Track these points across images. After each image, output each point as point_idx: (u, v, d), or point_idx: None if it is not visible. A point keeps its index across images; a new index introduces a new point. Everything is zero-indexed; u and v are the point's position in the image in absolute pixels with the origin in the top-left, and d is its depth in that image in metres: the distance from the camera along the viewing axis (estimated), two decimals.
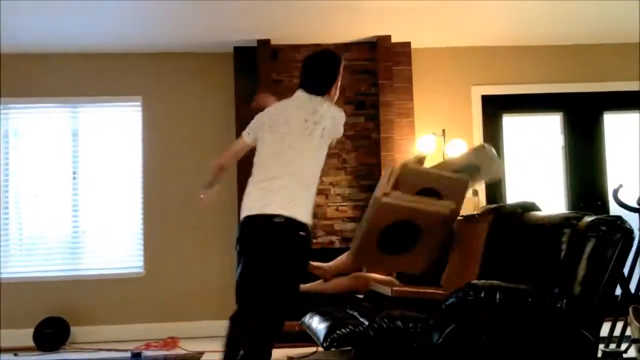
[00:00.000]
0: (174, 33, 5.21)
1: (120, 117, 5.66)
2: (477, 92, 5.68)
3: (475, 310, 2.57)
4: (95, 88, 5.58)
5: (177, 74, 5.63)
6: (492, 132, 5.73)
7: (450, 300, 2.63)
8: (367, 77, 5.48)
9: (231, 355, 2.79)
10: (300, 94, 3.02)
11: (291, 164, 2.84)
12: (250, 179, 2.94)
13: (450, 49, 5.70)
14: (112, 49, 5.49)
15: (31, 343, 5.06)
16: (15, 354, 4.93)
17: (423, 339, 2.71)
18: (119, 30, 5.09)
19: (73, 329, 5.24)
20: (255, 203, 2.83)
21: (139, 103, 5.60)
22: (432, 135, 5.35)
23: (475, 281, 2.62)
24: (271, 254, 2.77)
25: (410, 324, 2.81)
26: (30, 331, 5.09)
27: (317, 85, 2.99)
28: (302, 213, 2.78)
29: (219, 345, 4.85)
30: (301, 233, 2.76)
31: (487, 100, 5.70)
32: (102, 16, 4.74)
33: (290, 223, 2.74)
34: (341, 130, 3.01)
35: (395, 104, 5.41)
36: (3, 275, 5.38)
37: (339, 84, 3.08)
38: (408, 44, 5.51)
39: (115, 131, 5.64)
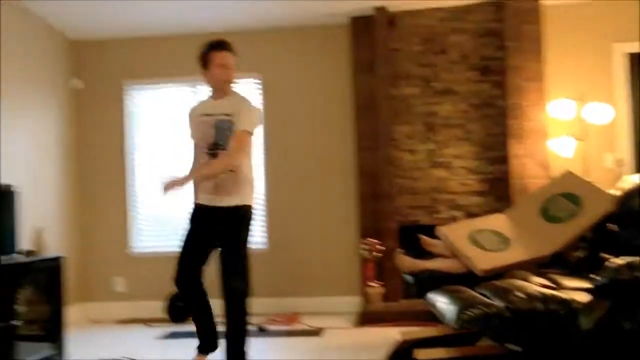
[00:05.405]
0: (289, 8, 5.16)
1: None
2: (620, 50, 5.09)
3: (632, 292, 2.24)
4: None
5: (295, 49, 5.58)
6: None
7: (602, 281, 2.32)
8: (491, 40, 5.12)
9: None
10: None
11: None
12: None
13: (585, 4, 5.15)
14: (230, 28, 5.50)
15: (161, 315, 5.27)
16: (147, 324, 5.17)
17: (568, 323, 2.42)
18: (234, 8, 5.13)
19: None
20: None
21: (259, 80, 5.60)
22: (566, 100, 4.90)
23: (633, 258, 2.27)
24: None
25: (552, 306, 2.52)
26: (160, 303, 5.31)
27: None
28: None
29: (340, 322, 4.84)
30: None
31: (634, 58, 5.09)
32: None
33: None
34: None
35: (524, 68, 5.00)
36: (135, 250, 5.66)
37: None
38: (537, 1, 5.05)
39: None
